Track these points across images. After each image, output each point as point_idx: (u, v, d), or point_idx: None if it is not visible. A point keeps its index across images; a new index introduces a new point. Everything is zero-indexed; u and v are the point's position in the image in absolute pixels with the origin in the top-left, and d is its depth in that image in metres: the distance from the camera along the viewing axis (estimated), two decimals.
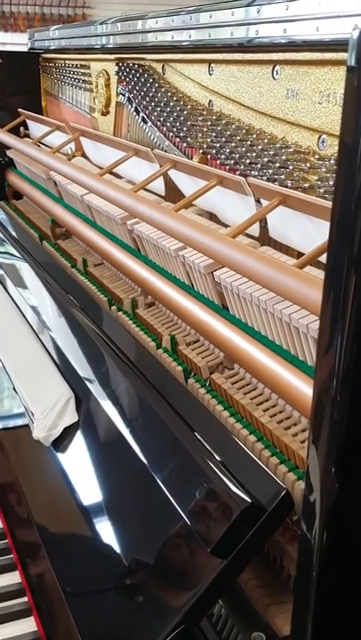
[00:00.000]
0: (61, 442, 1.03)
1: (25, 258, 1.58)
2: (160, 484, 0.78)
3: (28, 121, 2.22)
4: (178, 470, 0.78)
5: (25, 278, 1.53)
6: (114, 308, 1.32)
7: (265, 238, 1.06)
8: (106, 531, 0.86)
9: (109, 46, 1.68)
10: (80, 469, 0.97)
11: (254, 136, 1.16)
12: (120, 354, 1.12)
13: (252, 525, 0.68)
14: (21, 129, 2.26)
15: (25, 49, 2.45)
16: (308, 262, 0.81)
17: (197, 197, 1.09)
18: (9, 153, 2.21)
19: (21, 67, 2.35)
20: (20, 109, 2.20)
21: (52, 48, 2.17)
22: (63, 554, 0.91)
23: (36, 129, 2.15)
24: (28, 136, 2.27)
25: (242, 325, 0.99)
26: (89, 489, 0.94)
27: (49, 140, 1.98)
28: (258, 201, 1.07)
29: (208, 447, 0.80)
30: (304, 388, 0.84)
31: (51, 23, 7.41)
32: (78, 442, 1.01)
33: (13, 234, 1.86)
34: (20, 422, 1.22)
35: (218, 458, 0.77)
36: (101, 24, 1.72)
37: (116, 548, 0.81)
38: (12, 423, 1.29)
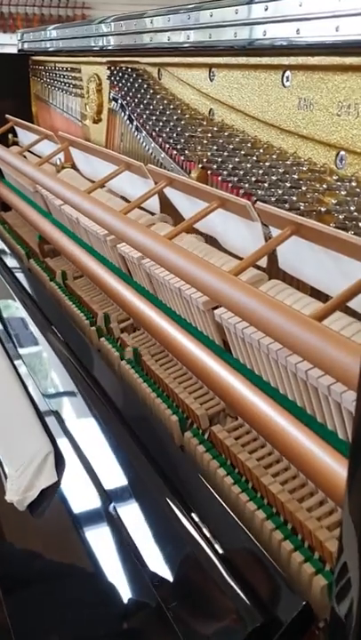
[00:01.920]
0: (38, 505, 0.89)
1: (7, 280, 1.44)
2: (149, 584, 0.64)
3: (16, 128, 2.08)
4: (172, 567, 0.65)
5: (6, 304, 1.39)
6: (102, 339, 1.18)
7: (274, 270, 0.92)
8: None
9: (101, 48, 1.54)
10: (55, 548, 0.83)
11: (261, 150, 1.02)
12: (106, 400, 0.98)
13: None
14: (10, 136, 2.13)
15: None
16: (330, 313, 0.67)
17: (195, 222, 0.96)
18: None
19: (10, 69, 2.22)
20: (7, 115, 2.07)
21: (41, 50, 2.04)
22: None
23: (26, 136, 2.02)
24: (16, 144, 2.13)
25: (247, 373, 0.85)
26: (64, 575, 0.80)
27: (38, 149, 1.84)
28: (265, 224, 0.93)
29: (207, 534, 0.66)
30: (322, 455, 0.70)
31: (50, 24, 7.28)
32: (56, 509, 0.87)
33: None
34: None
35: (220, 550, 0.63)
36: (93, 24, 1.58)
37: None
38: None
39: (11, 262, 1.64)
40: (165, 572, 0.64)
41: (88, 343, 1.16)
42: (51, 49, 1.92)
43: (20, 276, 1.55)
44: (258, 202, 0.91)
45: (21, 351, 1.20)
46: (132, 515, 0.78)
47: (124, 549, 0.75)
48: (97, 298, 1.35)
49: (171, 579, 0.63)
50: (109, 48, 1.49)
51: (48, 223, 1.58)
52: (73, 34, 1.69)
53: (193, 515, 0.69)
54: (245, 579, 0.59)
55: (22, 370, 1.16)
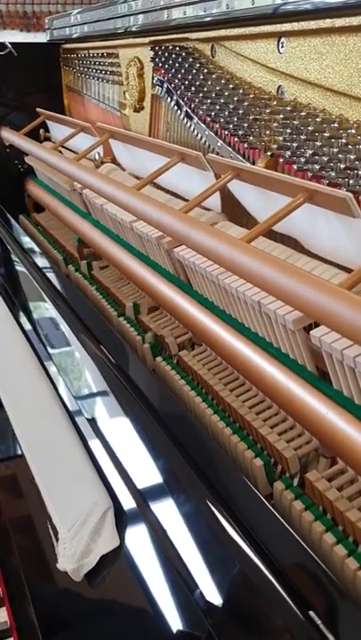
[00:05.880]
0: (97, 574, 0.73)
1: (44, 288, 1.28)
2: None
3: (48, 122, 1.92)
4: None
5: (46, 318, 1.24)
6: (159, 359, 1.02)
7: None
8: None
9: (142, 27, 1.38)
10: (119, 629, 0.67)
11: (352, 131, 0.84)
12: (171, 438, 0.81)
13: None
14: (41, 131, 1.97)
15: None
16: None
17: (279, 221, 0.78)
18: (28, 159, 1.92)
19: (40, 60, 2.06)
20: (38, 109, 1.91)
21: (73, 36, 1.87)
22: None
23: (58, 131, 1.86)
24: (48, 139, 1.98)
25: (355, 409, 0.68)
26: None
27: (72, 144, 1.68)
28: None
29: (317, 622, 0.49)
30: None
31: None
32: (120, 581, 0.70)
33: (33, 256, 1.57)
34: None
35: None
36: (132, 0, 1.41)
37: None
38: None
39: (47, 268, 1.48)
40: None
41: (143, 365, 1.00)
42: (84, 34, 1.76)
43: (58, 283, 1.39)
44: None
45: (68, 377, 1.04)
46: (213, 597, 0.62)
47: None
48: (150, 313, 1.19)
49: None
50: (153, 26, 1.32)
51: (88, 225, 1.42)
52: (109, 14, 1.52)
53: (289, 602, 0.52)
54: None
55: (66, 397, 1.00)
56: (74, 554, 0.72)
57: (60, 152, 1.60)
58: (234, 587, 0.63)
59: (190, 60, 1.23)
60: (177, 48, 1.28)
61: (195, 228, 0.79)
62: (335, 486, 0.71)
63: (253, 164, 1.02)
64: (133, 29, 1.42)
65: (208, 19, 1.10)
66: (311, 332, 0.70)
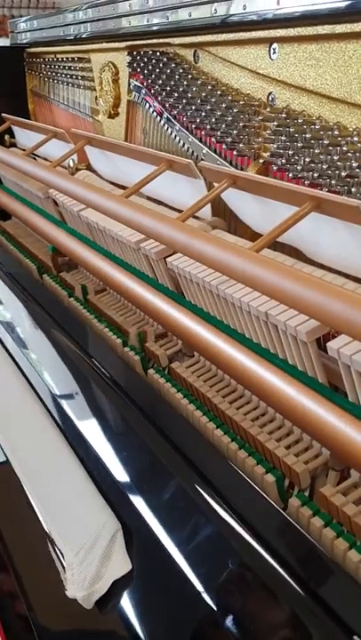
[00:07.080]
0: (109, 600, 0.70)
1: (24, 301, 1.24)
2: None
3: (14, 127, 1.87)
4: None
5: (28, 332, 1.19)
6: (151, 371, 0.99)
7: None
8: None
9: (118, 31, 1.35)
10: None
11: (354, 138, 0.83)
12: (177, 452, 0.79)
13: None
14: (6, 137, 1.92)
15: None
16: None
17: (285, 230, 0.77)
18: None
19: (2, 65, 2.01)
20: (3, 114, 1.86)
21: (39, 40, 1.83)
22: None
23: (25, 137, 1.81)
24: (14, 145, 1.93)
25: None
26: None
27: (41, 150, 1.63)
28: None
29: None
30: None
31: None
32: (133, 607, 0.67)
33: (4, 267, 1.52)
34: None
35: None
36: (106, 4, 1.38)
37: None
38: None
39: (21, 278, 1.44)
40: None
41: (138, 376, 0.97)
42: (50, 38, 1.72)
43: (36, 294, 1.35)
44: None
45: (56, 392, 1.01)
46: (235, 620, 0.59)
47: None
48: (133, 317, 1.16)
49: None
50: (131, 31, 1.29)
51: (64, 234, 1.38)
52: (82, 17, 1.49)
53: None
54: None
55: (60, 412, 0.96)
56: (84, 580, 0.69)
57: (35, 158, 1.56)
58: (260, 609, 0.61)
59: (172, 65, 1.21)
60: (157, 53, 1.25)
61: (200, 238, 0.77)
62: (351, 500, 0.69)
63: (242, 171, 1.01)
64: (108, 34, 1.39)
65: (195, 24, 1.08)
66: (328, 344, 0.68)
